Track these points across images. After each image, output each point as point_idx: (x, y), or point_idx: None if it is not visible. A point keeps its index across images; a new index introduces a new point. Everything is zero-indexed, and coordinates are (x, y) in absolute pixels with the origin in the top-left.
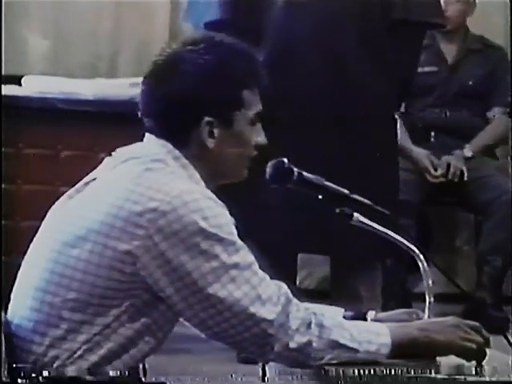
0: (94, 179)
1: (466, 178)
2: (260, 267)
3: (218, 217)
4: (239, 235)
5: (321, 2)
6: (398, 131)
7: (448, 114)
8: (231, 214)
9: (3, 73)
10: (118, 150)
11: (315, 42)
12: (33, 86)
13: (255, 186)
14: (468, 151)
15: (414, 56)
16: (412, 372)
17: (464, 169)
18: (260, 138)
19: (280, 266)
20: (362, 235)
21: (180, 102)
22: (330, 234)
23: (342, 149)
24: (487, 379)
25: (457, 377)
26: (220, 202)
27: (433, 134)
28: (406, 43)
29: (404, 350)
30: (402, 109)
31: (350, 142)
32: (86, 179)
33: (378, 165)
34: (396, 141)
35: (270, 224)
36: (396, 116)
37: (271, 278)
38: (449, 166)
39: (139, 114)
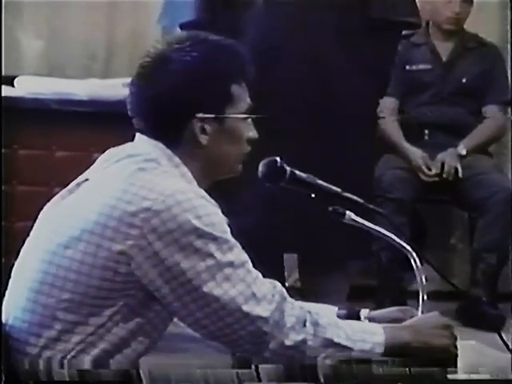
0: (87, 180)
1: (460, 175)
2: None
3: (212, 215)
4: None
5: (299, 2)
6: (393, 130)
7: (442, 111)
8: (223, 213)
9: None
10: (109, 150)
11: (294, 42)
12: (26, 87)
13: (238, 186)
14: (462, 149)
15: (391, 54)
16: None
17: (458, 166)
18: (251, 132)
19: (265, 266)
20: (333, 235)
21: (170, 100)
22: (301, 233)
23: (320, 147)
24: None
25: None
26: (213, 200)
27: (427, 131)
28: (384, 42)
29: (397, 351)
30: (397, 107)
31: (328, 140)
32: (78, 180)
33: (354, 163)
34: (372, 139)
35: (254, 223)
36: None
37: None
38: (443, 164)
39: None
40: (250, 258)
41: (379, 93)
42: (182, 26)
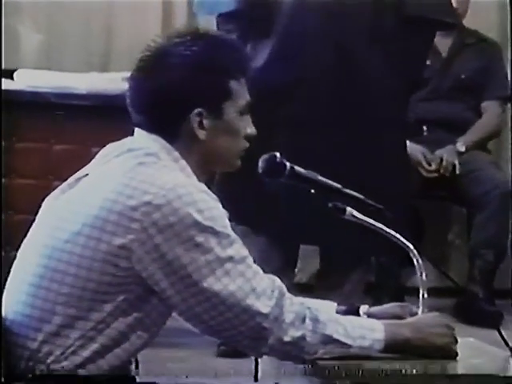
0: (87, 174)
1: (458, 172)
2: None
3: (212, 210)
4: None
5: None
6: None
7: (441, 107)
8: (225, 207)
9: None
10: (109, 145)
11: (326, 37)
12: (25, 80)
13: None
14: (461, 146)
15: (424, 53)
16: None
17: (456, 163)
18: (250, 128)
19: (282, 256)
20: (357, 231)
21: (168, 95)
22: (325, 226)
23: (350, 145)
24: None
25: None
26: (213, 195)
27: (425, 127)
28: (417, 40)
29: (397, 348)
30: None
31: (359, 138)
32: (77, 174)
33: (387, 163)
34: (405, 138)
35: (275, 215)
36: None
37: (273, 268)
38: (441, 160)
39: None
40: (268, 247)
41: (410, 91)
42: (220, 17)
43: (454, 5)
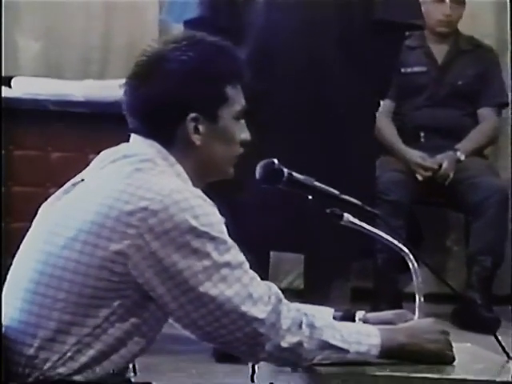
0: (82, 180)
1: (446, 184)
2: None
3: (209, 215)
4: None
5: (301, 2)
6: (389, 131)
7: (438, 114)
8: (220, 213)
9: None
10: (104, 151)
11: (295, 42)
12: (23, 88)
13: (233, 185)
14: (461, 155)
15: (393, 56)
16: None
17: (451, 174)
18: (244, 134)
19: (252, 263)
20: (336, 235)
21: (164, 99)
22: (305, 232)
23: (321, 147)
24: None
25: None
26: (210, 200)
27: (422, 134)
28: (386, 43)
29: (392, 353)
30: (393, 109)
31: (330, 140)
32: (73, 180)
33: (356, 163)
34: (373, 139)
35: (244, 221)
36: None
37: None
38: (440, 166)
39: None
40: (251, 257)
41: (380, 94)
42: (186, 23)
43: (448, 12)
